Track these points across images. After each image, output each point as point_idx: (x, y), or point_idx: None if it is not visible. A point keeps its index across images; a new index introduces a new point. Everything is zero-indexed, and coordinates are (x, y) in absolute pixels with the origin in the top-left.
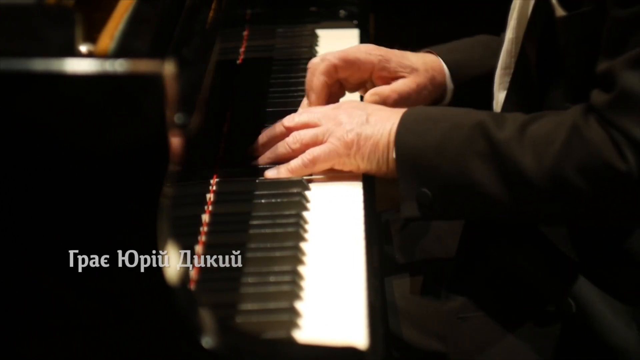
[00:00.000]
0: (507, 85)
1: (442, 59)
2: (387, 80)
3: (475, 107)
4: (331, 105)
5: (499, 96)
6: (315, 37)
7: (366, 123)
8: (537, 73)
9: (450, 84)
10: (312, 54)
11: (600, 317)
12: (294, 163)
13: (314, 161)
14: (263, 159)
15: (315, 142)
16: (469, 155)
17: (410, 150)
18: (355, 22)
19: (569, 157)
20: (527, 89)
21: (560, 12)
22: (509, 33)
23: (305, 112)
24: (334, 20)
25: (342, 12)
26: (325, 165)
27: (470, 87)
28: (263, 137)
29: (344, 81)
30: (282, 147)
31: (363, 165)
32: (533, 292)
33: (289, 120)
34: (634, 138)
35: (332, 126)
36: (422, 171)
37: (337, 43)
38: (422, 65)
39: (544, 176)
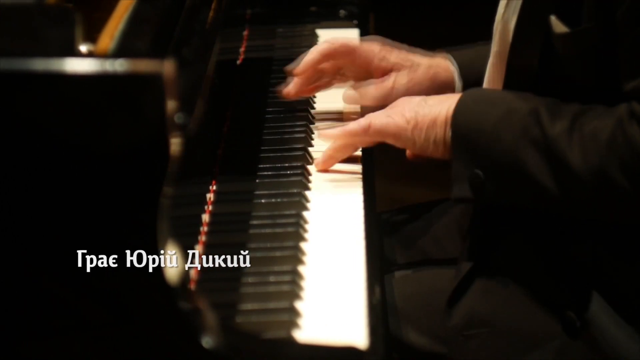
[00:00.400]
0: None
1: (453, 57)
2: (386, 72)
3: None
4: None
5: None
6: (315, 37)
7: (424, 103)
8: (530, 89)
9: (459, 83)
10: None
11: (604, 332)
12: (352, 124)
13: (371, 125)
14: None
15: (365, 130)
16: (523, 142)
17: (466, 130)
18: (355, 22)
19: (613, 154)
20: None
21: (561, 28)
22: (494, 46)
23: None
24: (334, 20)
25: (342, 12)
26: (381, 135)
27: (481, 86)
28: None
29: (345, 69)
30: (355, 135)
31: (420, 142)
32: (536, 308)
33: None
34: None
35: (389, 109)
36: (476, 152)
37: None
38: (426, 62)
39: (589, 171)
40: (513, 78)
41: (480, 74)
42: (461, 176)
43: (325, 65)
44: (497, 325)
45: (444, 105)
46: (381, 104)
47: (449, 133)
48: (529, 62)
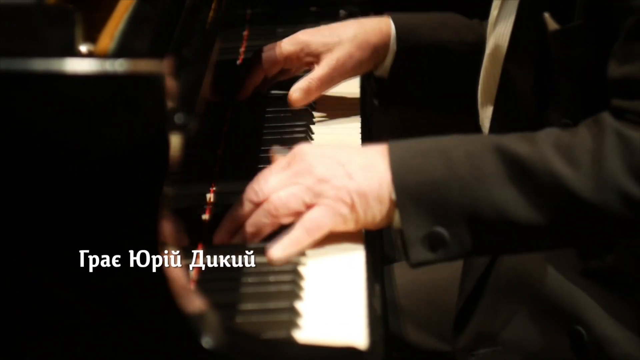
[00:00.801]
0: (492, 101)
1: (394, 21)
2: (317, 63)
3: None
4: (295, 163)
5: (483, 112)
6: None
7: (350, 178)
8: (529, 90)
9: (393, 46)
10: None
11: (612, 344)
12: (297, 233)
13: (318, 227)
14: (248, 239)
15: (304, 205)
16: (491, 182)
17: (413, 188)
18: None
19: (616, 161)
20: (515, 107)
21: (553, 25)
22: (487, 49)
23: (269, 177)
24: (334, 20)
25: (342, 12)
26: (328, 230)
27: (414, 53)
28: (228, 222)
29: (286, 71)
30: (263, 218)
31: (362, 221)
32: (544, 323)
33: (254, 194)
34: None
35: (314, 184)
36: (432, 209)
37: None
38: (350, 34)
39: (591, 186)
40: (508, 82)
41: (419, 41)
42: (416, 239)
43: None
44: (505, 344)
45: (373, 173)
46: (321, 92)
47: (392, 199)
48: (526, 64)
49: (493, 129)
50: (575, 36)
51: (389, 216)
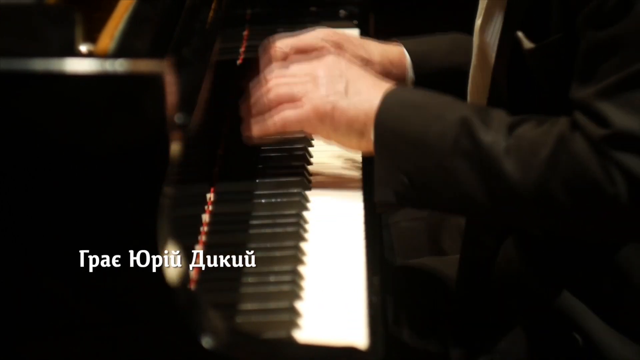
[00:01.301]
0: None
1: (407, 49)
2: None
3: None
4: (314, 60)
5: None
6: None
7: (344, 94)
8: (509, 105)
9: (411, 75)
10: None
11: (608, 350)
12: (265, 123)
13: (284, 124)
14: (245, 113)
15: (290, 98)
16: (452, 152)
17: (390, 136)
18: (355, 22)
19: (555, 170)
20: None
21: (527, 44)
22: (474, 59)
23: (287, 63)
24: (334, 20)
25: (342, 12)
26: (295, 129)
27: (432, 79)
28: (248, 93)
29: None
30: (260, 99)
31: (334, 137)
32: (539, 328)
33: (269, 72)
34: (627, 170)
35: (311, 86)
36: (402, 158)
37: None
38: (378, 56)
39: (528, 186)
40: (497, 91)
41: (438, 66)
42: (384, 180)
43: None
44: (500, 350)
45: (364, 103)
46: None
47: (369, 135)
48: (511, 76)
49: None
50: (551, 52)
51: (361, 146)
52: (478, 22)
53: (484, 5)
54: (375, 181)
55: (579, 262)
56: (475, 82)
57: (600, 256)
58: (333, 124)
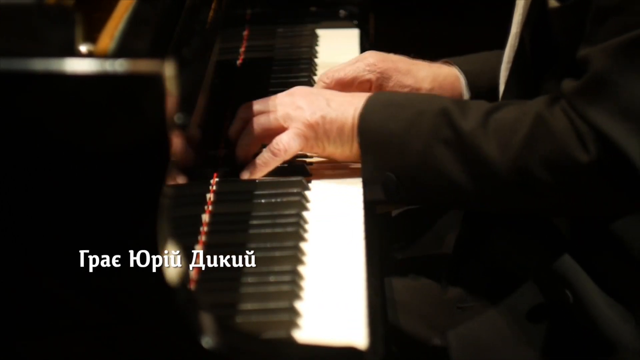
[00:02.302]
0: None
1: (460, 68)
2: None
3: None
4: (284, 92)
5: (502, 88)
6: (315, 37)
7: (328, 107)
8: (533, 63)
9: (466, 94)
10: (312, 54)
11: (596, 310)
12: (265, 156)
13: (283, 149)
14: (238, 156)
15: (276, 127)
16: (434, 142)
17: (375, 134)
18: (355, 22)
19: (533, 148)
20: (525, 80)
21: (553, 3)
22: (513, 28)
23: (259, 101)
24: (334, 20)
25: (342, 12)
26: (295, 151)
27: (486, 97)
28: (232, 134)
29: None
30: (244, 138)
31: (329, 149)
32: (531, 284)
33: (244, 112)
34: (597, 128)
35: (292, 111)
36: (387, 156)
37: (337, 43)
38: (428, 83)
39: (508, 166)
40: (522, 49)
41: (491, 82)
42: (373, 179)
43: None
44: (492, 301)
45: (349, 109)
46: None
47: (357, 137)
48: (535, 35)
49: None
50: (573, 13)
51: (353, 152)
52: None
53: None
54: (363, 180)
55: (577, 229)
56: (512, 48)
57: (598, 224)
58: (326, 134)
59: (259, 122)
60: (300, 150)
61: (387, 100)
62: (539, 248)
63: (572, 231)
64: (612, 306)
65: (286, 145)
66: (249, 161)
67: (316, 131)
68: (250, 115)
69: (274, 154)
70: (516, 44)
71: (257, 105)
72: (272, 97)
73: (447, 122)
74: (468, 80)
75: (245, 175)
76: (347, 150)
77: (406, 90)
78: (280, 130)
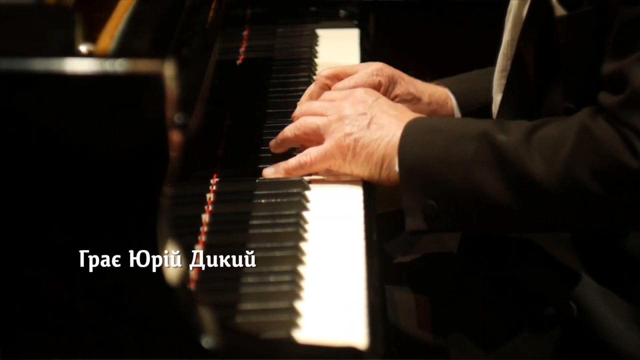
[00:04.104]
0: (504, 87)
1: (450, 89)
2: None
3: None
4: (344, 92)
5: (497, 99)
6: (315, 37)
7: (367, 129)
8: (535, 74)
9: (457, 114)
10: (312, 54)
11: (601, 320)
12: (291, 162)
13: (310, 163)
14: (273, 142)
15: (316, 134)
16: (475, 165)
17: (414, 161)
18: (355, 22)
19: (580, 158)
20: (523, 90)
21: (560, 11)
22: (506, 35)
23: (318, 101)
24: (334, 20)
25: (342, 12)
26: (321, 167)
27: (478, 115)
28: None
29: None
30: (288, 131)
31: (357, 171)
32: (535, 295)
33: (300, 109)
34: None
35: (335, 122)
36: (427, 183)
37: (337, 43)
38: (427, 97)
39: (555, 180)
40: (519, 63)
41: (480, 100)
42: (414, 208)
43: None
44: (495, 311)
45: (385, 136)
46: None
47: (392, 166)
48: (536, 46)
49: (500, 113)
50: (583, 22)
51: (390, 180)
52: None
53: None
54: (404, 211)
55: (581, 239)
56: (505, 58)
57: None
58: (354, 158)
59: (306, 123)
60: (329, 167)
61: (426, 125)
62: (541, 259)
63: (576, 241)
64: (618, 315)
65: (314, 160)
66: (278, 151)
67: (344, 154)
68: (307, 112)
69: (300, 165)
70: (511, 53)
71: (314, 106)
72: (332, 94)
73: (487, 143)
74: (458, 100)
75: (268, 171)
76: (375, 175)
77: (410, 97)
78: (318, 139)
